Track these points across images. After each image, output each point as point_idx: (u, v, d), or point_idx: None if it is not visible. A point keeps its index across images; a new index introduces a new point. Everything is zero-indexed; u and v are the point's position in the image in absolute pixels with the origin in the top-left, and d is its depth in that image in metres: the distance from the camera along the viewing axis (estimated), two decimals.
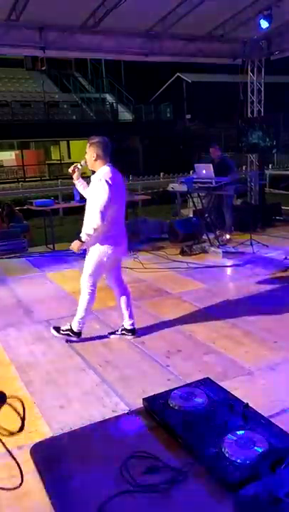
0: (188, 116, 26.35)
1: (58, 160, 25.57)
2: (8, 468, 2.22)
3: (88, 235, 3.41)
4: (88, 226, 3.39)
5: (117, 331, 3.81)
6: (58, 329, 3.72)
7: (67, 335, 3.68)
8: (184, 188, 6.74)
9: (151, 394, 2.87)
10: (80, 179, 3.70)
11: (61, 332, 3.69)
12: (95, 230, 3.38)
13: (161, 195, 12.73)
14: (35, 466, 1.18)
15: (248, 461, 1.14)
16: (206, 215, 6.90)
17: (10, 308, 4.61)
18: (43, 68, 25.77)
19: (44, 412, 2.73)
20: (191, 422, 1.24)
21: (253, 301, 4.47)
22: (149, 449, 1.15)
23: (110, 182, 3.34)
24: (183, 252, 6.43)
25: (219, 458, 1.12)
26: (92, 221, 3.37)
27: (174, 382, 3.00)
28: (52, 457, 1.19)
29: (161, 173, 17.21)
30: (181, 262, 6.07)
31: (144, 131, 22.92)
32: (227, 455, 1.13)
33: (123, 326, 3.79)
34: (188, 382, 2.98)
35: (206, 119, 25.45)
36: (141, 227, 7.68)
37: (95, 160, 3.45)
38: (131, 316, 3.76)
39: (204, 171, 6.45)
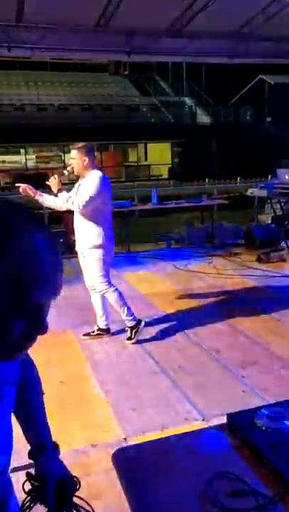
0: (268, 120, 25.56)
1: (134, 162, 25.99)
2: (81, 466, 2.27)
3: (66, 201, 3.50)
4: (75, 201, 3.44)
5: (93, 332, 3.90)
6: (129, 338, 3.76)
7: (136, 332, 3.74)
8: (263, 193, 6.52)
9: (225, 404, 2.78)
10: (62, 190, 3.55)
11: (132, 338, 3.73)
12: (70, 203, 3.46)
13: (238, 199, 12.45)
14: (116, 473, 1.17)
15: None
16: (286, 222, 6.62)
17: (86, 306, 4.72)
18: (126, 73, 26.34)
19: (117, 413, 2.75)
20: (280, 446, 1.16)
21: None
22: (235, 469, 1.09)
23: (103, 182, 3.47)
24: (259, 260, 6.21)
25: None
26: (78, 198, 3.42)
27: (250, 395, 2.89)
28: (134, 467, 1.16)
29: (238, 178, 16.87)
30: (258, 269, 5.87)
31: (222, 134, 22.61)
32: None
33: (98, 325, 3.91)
34: (264, 396, 2.85)
35: (288, 122, 24.52)
36: (216, 231, 7.56)
37: (86, 165, 3.47)
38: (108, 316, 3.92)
39: (287, 177, 6.19)
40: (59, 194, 3.53)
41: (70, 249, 7.35)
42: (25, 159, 24.01)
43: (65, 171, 3.60)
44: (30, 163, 24.01)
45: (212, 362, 3.38)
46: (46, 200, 3.62)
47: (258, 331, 3.90)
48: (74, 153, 3.50)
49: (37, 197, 3.58)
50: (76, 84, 24.71)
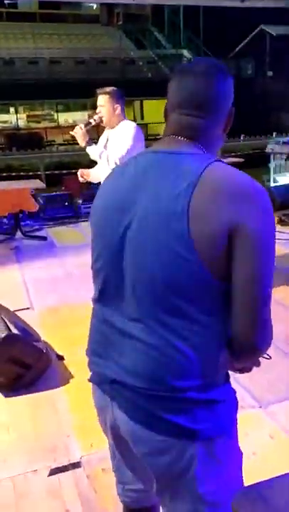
0: (270, 74, 24.49)
1: (131, 121, 25.02)
2: None
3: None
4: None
5: None
6: None
7: None
8: (286, 149, 6.05)
9: (282, 387, 2.48)
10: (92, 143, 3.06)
11: None
12: (105, 159, 2.96)
13: (246, 158, 11.92)
14: None
15: None
16: None
17: None
18: (120, 23, 24.91)
19: None
20: None
21: None
22: None
23: (139, 134, 2.97)
24: (282, 222, 5.83)
25: None
26: (114, 153, 2.92)
27: None
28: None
29: (242, 135, 16.18)
30: (282, 232, 5.48)
31: None
32: None
33: None
34: None
35: None
36: None
37: (118, 113, 2.98)
38: None
39: None
40: (88, 148, 3.04)
41: (76, 214, 6.93)
42: (17, 118, 22.96)
43: (91, 120, 3.06)
44: (21, 123, 22.97)
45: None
46: (95, 175, 3.24)
47: None
48: (103, 99, 2.98)
49: (90, 179, 3.29)
50: (67, 36, 23.32)
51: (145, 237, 0.96)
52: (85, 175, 3.26)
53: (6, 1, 22.81)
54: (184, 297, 0.94)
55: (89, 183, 7.68)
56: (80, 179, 3.29)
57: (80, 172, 3.28)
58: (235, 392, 1.09)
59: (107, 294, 1.06)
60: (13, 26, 22.19)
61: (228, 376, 1.06)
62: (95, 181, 3.29)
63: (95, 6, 25.90)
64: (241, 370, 1.11)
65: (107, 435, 1.18)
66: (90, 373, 1.14)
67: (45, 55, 20.45)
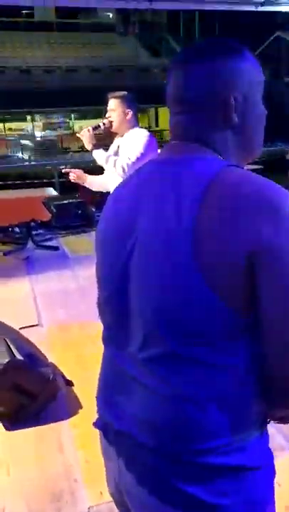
0: (287, 80, 24.20)
1: (146, 128, 24.93)
2: None
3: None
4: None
5: None
6: None
7: None
8: None
9: None
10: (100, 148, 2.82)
11: None
12: (112, 164, 2.70)
13: (262, 164, 11.62)
14: None
15: None
16: None
17: None
18: (136, 32, 24.95)
19: None
20: None
21: None
22: None
23: (152, 143, 2.72)
24: None
25: None
26: (122, 159, 2.68)
27: None
28: None
29: None
30: None
31: None
32: None
33: None
34: None
35: None
36: None
37: (130, 119, 2.75)
38: None
39: None
40: (94, 152, 2.81)
41: (90, 222, 6.71)
42: (33, 126, 23.07)
43: (100, 124, 2.84)
44: (37, 131, 23.09)
45: None
46: (95, 182, 2.99)
47: None
48: (114, 103, 2.76)
49: (86, 184, 3.01)
50: (84, 45, 23.39)
51: (147, 266, 0.80)
52: (77, 174, 2.94)
53: (23, 11, 23.00)
54: (196, 336, 0.76)
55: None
56: (71, 176, 2.96)
57: (68, 171, 2.99)
58: (272, 457, 0.87)
59: (114, 333, 0.90)
60: (29, 36, 22.34)
61: (263, 432, 0.84)
62: (98, 189, 3.03)
63: (111, 15, 26.01)
64: (283, 420, 0.89)
65: (112, 494, 0.96)
66: (96, 417, 0.95)
67: (62, 63, 20.52)
